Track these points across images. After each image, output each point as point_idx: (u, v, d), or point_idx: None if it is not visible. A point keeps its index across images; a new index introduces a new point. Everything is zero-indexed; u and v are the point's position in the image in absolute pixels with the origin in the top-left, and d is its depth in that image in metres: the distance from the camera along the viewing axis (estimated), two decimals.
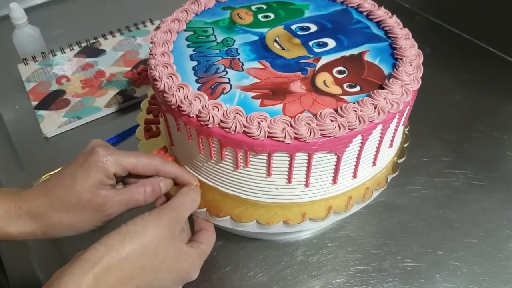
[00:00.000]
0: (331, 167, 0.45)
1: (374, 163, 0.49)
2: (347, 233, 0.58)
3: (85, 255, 0.36)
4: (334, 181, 0.47)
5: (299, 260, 0.55)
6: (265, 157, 0.43)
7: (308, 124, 0.41)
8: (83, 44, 0.87)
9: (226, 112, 0.42)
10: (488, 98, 0.76)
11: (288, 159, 0.43)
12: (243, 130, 0.41)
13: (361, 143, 0.44)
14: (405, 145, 0.55)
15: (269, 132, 0.41)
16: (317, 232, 0.58)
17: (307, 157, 0.43)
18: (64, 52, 0.86)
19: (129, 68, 0.81)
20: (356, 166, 0.47)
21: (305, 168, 0.44)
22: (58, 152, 0.70)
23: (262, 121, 0.41)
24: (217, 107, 0.42)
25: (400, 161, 0.53)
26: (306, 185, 0.46)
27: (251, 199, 0.48)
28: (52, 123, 0.72)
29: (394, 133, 0.48)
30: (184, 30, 0.54)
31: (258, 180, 0.46)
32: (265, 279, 0.54)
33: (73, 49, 0.86)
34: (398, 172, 0.52)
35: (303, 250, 0.56)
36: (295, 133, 0.40)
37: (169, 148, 0.54)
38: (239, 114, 0.42)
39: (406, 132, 0.57)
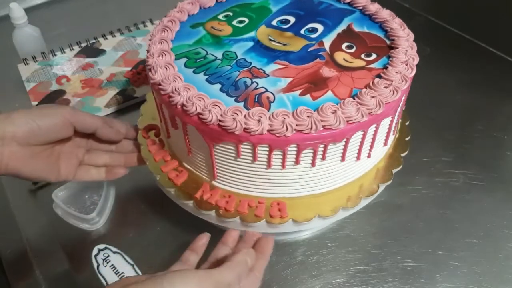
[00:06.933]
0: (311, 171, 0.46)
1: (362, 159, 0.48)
2: (347, 233, 0.58)
3: None
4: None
5: (299, 260, 0.55)
6: (248, 149, 0.43)
7: (283, 118, 0.41)
8: (83, 44, 0.87)
9: (217, 108, 0.42)
10: (488, 98, 0.76)
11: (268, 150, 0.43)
12: (218, 124, 0.41)
13: (344, 146, 0.44)
14: (402, 155, 0.54)
15: (245, 124, 0.41)
16: (317, 232, 0.58)
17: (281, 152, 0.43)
18: (64, 52, 0.86)
19: (129, 68, 0.81)
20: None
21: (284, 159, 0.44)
22: None
23: (237, 114, 0.41)
24: (202, 99, 0.43)
25: (395, 171, 0.52)
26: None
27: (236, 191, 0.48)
28: None
29: (388, 131, 0.49)
30: (175, 60, 0.49)
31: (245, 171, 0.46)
32: (265, 279, 0.53)
33: (73, 49, 0.86)
34: (400, 169, 0.52)
35: (303, 250, 0.56)
36: (270, 126, 0.41)
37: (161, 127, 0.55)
38: (218, 107, 0.42)
39: (407, 139, 0.56)
